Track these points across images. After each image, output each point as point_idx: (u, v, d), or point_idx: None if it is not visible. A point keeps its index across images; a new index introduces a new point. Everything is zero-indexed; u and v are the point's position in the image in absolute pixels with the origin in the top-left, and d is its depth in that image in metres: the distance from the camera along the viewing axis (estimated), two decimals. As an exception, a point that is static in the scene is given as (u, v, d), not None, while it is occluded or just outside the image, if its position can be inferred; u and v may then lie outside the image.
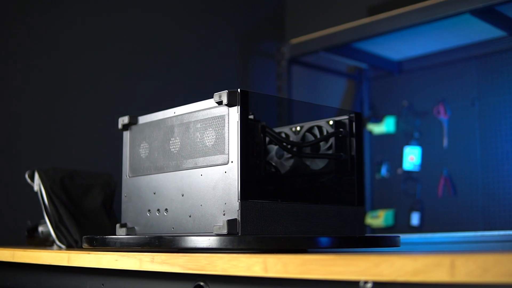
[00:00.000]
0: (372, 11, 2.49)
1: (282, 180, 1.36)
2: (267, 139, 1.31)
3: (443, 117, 2.40)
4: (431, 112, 2.44)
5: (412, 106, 2.52)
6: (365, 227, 2.47)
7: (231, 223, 1.14)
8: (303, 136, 1.38)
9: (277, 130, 1.42)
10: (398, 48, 2.44)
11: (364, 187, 1.40)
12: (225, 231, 1.14)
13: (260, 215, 1.18)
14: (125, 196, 1.43)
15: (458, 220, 2.32)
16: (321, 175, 1.36)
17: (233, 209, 1.16)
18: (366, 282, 0.84)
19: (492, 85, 2.28)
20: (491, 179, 2.25)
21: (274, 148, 1.40)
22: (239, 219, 1.15)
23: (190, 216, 1.25)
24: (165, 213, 1.31)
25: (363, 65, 2.62)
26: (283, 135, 1.41)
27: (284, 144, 1.35)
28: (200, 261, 1.08)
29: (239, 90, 1.18)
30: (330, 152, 1.35)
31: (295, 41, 2.58)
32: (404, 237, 1.67)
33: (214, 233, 1.16)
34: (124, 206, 1.43)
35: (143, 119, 1.45)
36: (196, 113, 1.29)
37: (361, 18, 2.33)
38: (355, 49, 2.45)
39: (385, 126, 2.54)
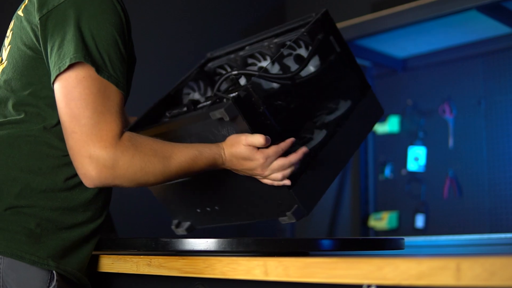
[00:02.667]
0: (376, 7, 2.47)
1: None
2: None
3: (449, 116, 2.37)
4: (436, 111, 2.41)
5: (416, 105, 2.49)
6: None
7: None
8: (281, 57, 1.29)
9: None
10: (403, 45, 2.41)
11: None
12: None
13: None
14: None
15: (464, 222, 2.29)
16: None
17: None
18: (369, 286, 0.83)
19: (499, 83, 2.26)
20: (498, 180, 2.22)
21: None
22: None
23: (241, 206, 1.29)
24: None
25: (366, 63, 2.60)
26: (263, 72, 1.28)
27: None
28: (198, 264, 1.06)
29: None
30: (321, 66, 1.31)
31: (297, 39, 2.55)
32: (408, 239, 1.64)
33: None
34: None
35: (140, 119, 1.44)
36: (193, 114, 1.27)
37: (364, 14, 2.31)
38: (358, 46, 2.42)
39: (389, 126, 2.52)
